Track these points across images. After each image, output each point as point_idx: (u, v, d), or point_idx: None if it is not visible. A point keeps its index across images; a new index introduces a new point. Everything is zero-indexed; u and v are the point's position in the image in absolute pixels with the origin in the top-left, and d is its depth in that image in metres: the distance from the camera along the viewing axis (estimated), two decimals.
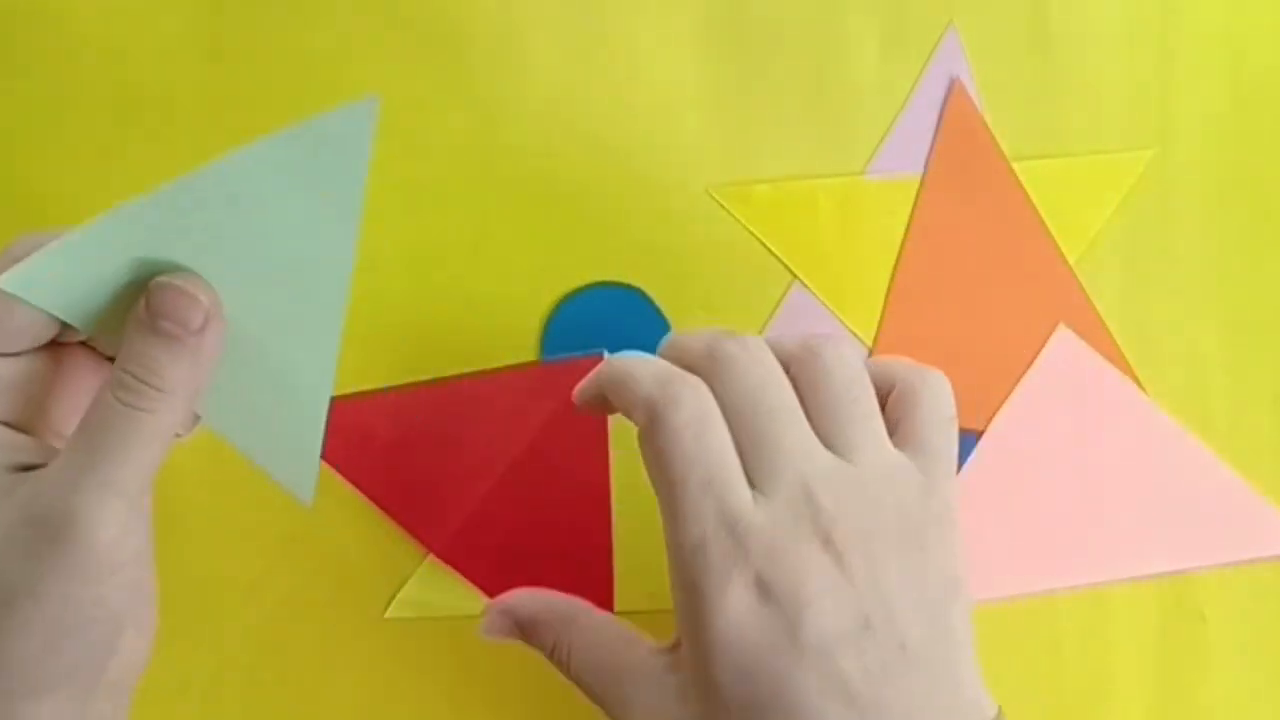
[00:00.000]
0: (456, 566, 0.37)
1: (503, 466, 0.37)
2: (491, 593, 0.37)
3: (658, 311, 0.38)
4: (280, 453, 0.32)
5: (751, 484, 0.29)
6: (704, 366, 0.30)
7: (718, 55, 0.38)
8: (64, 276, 0.28)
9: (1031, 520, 0.39)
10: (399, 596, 0.37)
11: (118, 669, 0.28)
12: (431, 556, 0.37)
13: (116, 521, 0.26)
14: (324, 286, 0.31)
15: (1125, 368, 0.39)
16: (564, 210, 0.38)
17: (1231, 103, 0.39)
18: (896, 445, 0.31)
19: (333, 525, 0.37)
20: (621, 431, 0.37)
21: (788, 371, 0.31)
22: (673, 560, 0.29)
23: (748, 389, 0.30)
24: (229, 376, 0.30)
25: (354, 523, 0.37)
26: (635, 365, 0.30)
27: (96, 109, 0.37)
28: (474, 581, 0.37)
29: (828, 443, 0.30)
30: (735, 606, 0.28)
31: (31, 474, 0.27)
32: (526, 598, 0.34)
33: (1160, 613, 0.39)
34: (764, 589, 0.28)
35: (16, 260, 0.28)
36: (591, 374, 0.32)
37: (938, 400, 0.32)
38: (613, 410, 0.32)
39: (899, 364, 0.33)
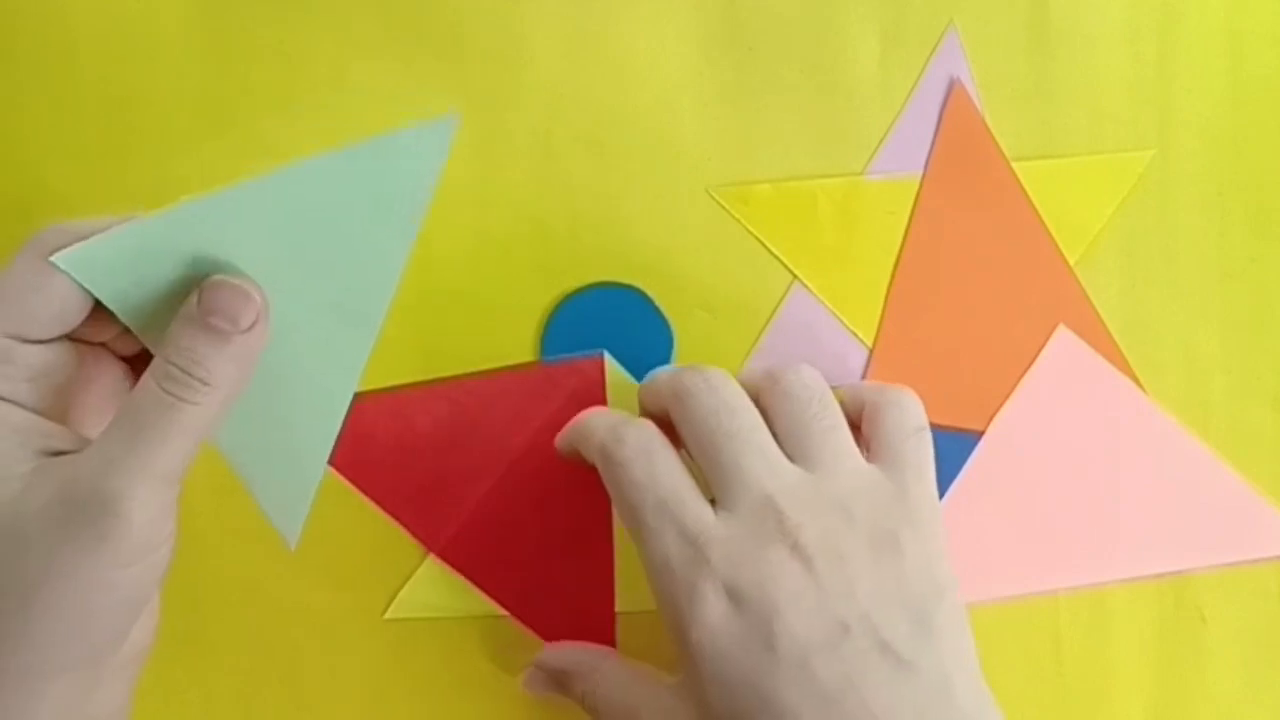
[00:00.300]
0: (456, 566, 0.37)
1: (503, 466, 0.37)
2: (491, 592, 0.37)
3: (658, 311, 0.38)
4: (276, 489, 0.34)
5: (714, 505, 0.30)
6: (669, 401, 0.32)
7: (718, 55, 0.38)
8: (117, 264, 0.29)
9: (1031, 520, 0.39)
10: (399, 596, 0.37)
11: (129, 651, 0.29)
12: (431, 556, 0.37)
13: (156, 504, 0.27)
14: (363, 311, 0.32)
15: (1125, 368, 0.39)
16: (564, 210, 0.38)
17: (1231, 103, 0.39)
18: (869, 460, 0.32)
19: (333, 525, 0.37)
20: None
21: (756, 403, 0.32)
22: (650, 587, 0.30)
23: (705, 415, 0.31)
24: (247, 394, 0.30)
25: (354, 523, 0.37)
26: (593, 417, 0.34)
27: (96, 109, 0.37)
28: (474, 581, 0.37)
29: (794, 460, 0.31)
30: (709, 617, 0.29)
31: (67, 457, 0.27)
32: (556, 653, 0.36)
33: (1160, 613, 0.39)
34: (735, 597, 0.29)
35: (48, 247, 0.28)
36: (566, 429, 0.35)
37: (904, 413, 0.33)
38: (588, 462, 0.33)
39: (867, 386, 0.35)
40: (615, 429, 0.32)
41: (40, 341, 0.28)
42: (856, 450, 0.32)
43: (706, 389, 0.32)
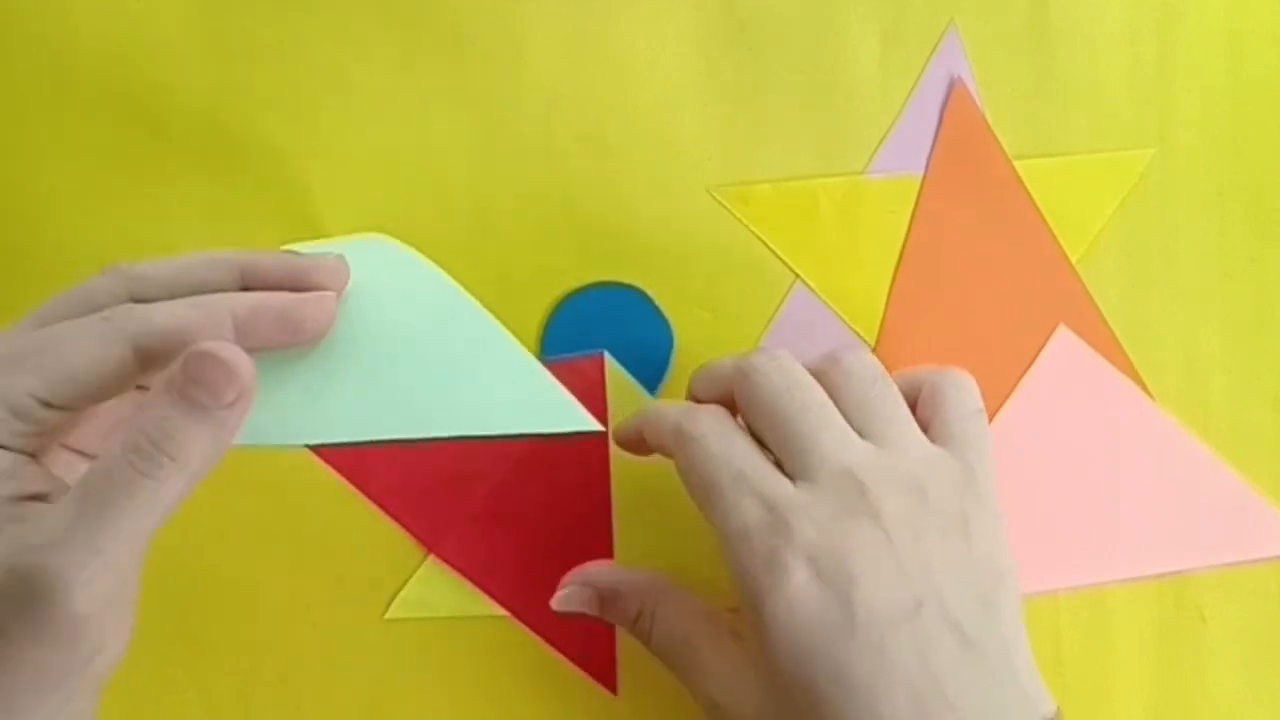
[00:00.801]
0: (456, 566, 0.37)
1: (503, 466, 0.37)
2: (491, 592, 0.37)
3: (658, 311, 0.38)
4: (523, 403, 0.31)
5: (791, 479, 0.30)
6: (735, 381, 0.32)
7: (718, 55, 0.38)
8: None
9: (1032, 520, 0.39)
10: (399, 596, 0.37)
11: (90, 678, 0.26)
12: (432, 556, 0.37)
13: (101, 595, 0.24)
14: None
15: (1127, 367, 0.39)
16: (564, 210, 0.38)
17: (1231, 103, 0.39)
18: (931, 440, 0.32)
19: (333, 525, 0.37)
20: None
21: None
22: (726, 559, 0.30)
23: (776, 392, 0.31)
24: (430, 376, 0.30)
25: (354, 523, 0.37)
26: (660, 404, 0.34)
27: (96, 109, 0.37)
28: (474, 581, 0.37)
29: (863, 436, 0.31)
30: (789, 585, 0.28)
31: (30, 511, 0.25)
32: (606, 571, 0.35)
33: (1160, 613, 0.39)
34: (815, 566, 0.28)
35: (122, 326, 0.26)
36: (629, 417, 0.35)
37: (963, 394, 0.33)
38: (648, 450, 0.34)
39: (922, 369, 0.34)
40: (688, 410, 0.32)
41: (62, 408, 0.26)
42: (920, 432, 0.32)
43: (775, 368, 0.32)
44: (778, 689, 0.29)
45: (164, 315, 0.26)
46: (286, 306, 0.27)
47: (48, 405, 0.26)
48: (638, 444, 0.34)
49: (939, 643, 0.28)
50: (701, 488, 0.31)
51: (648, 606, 0.33)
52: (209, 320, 0.26)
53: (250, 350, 0.26)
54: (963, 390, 0.33)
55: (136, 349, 0.26)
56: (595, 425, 0.29)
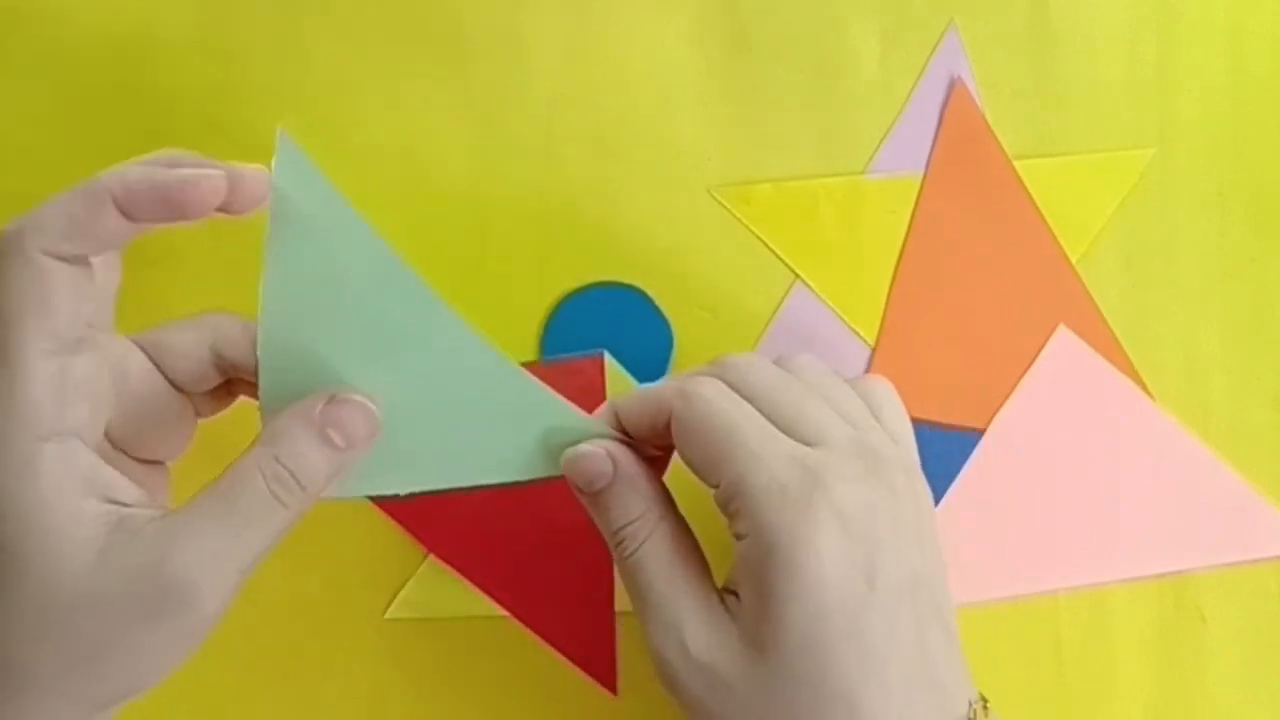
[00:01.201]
0: (456, 566, 0.37)
1: None
2: (491, 592, 0.37)
3: (658, 311, 0.38)
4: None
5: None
6: (729, 375, 0.32)
7: (718, 55, 0.38)
8: (316, 202, 0.29)
9: (1032, 520, 0.39)
10: (399, 597, 0.37)
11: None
12: (432, 556, 0.37)
13: (232, 594, 0.28)
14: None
15: (1127, 367, 0.39)
16: (564, 210, 0.38)
17: (1231, 103, 0.39)
18: None
19: (333, 525, 0.37)
20: None
21: None
22: (743, 513, 0.29)
23: (769, 377, 0.31)
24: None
25: (354, 523, 0.37)
26: (648, 385, 0.33)
27: (96, 109, 0.37)
28: (474, 581, 0.37)
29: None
30: (823, 538, 0.28)
31: (147, 533, 0.27)
32: (632, 457, 0.31)
33: (1160, 613, 0.39)
34: (843, 523, 0.28)
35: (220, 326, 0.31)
36: (615, 399, 0.33)
37: (893, 400, 0.33)
38: (662, 439, 0.31)
39: (847, 377, 0.34)
40: (689, 378, 0.31)
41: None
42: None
43: (757, 360, 0.32)
44: (780, 647, 0.28)
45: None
46: (170, 185, 0.28)
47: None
48: (650, 432, 0.32)
49: (930, 620, 0.29)
50: (717, 444, 0.29)
51: (651, 514, 0.31)
52: (89, 197, 0.28)
53: (141, 223, 0.28)
54: (893, 395, 0.33)
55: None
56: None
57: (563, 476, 0.32)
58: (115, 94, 0.37)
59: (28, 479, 0.26)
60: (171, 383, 0.31)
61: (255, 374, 0.30)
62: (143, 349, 0.30)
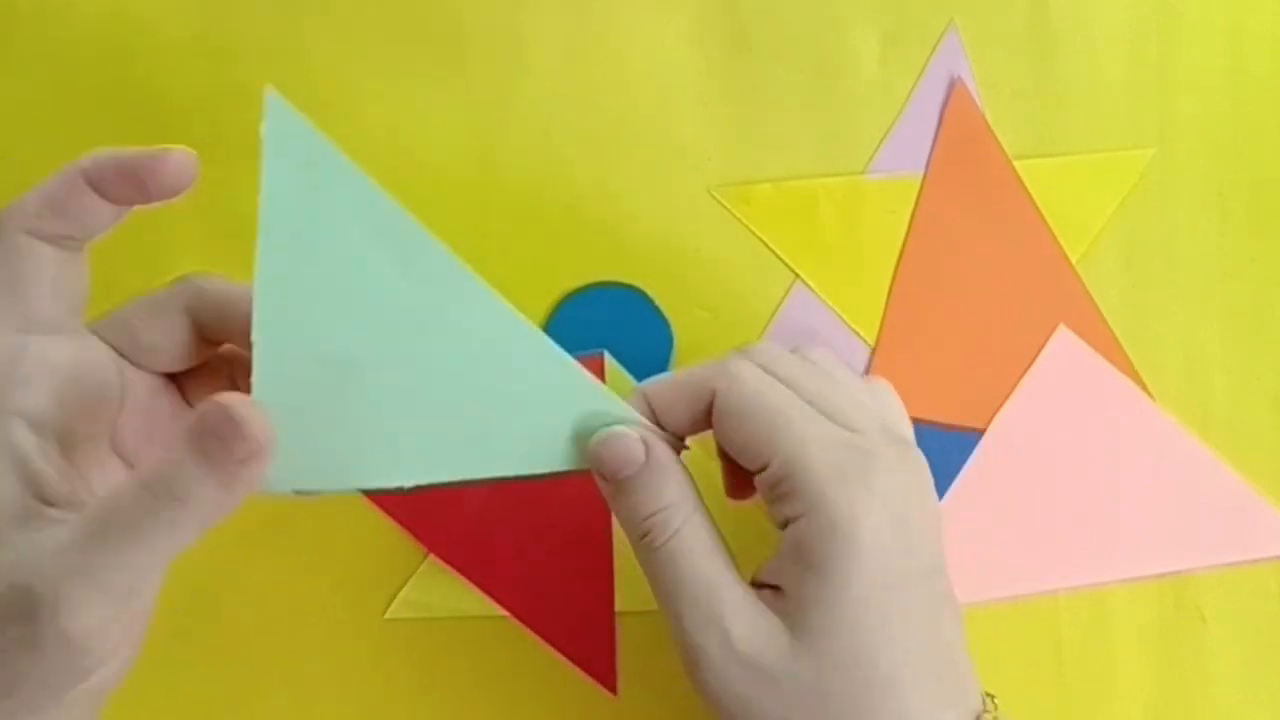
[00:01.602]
0: (456, 566, 0.37)
1: None
2: (491, 592, 0.37)
3: (658, 311, 0.38)
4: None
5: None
6: (747, 359, 0.31)
7: (718, 55, 0.38)
8: (320, 173, 0.27)
9: (1032, 520, 0.39)
10: (399, 596, 0.37)
11: (89, 692, 0.26)
12: (432, 556, 0.37)
13: (97, 618, 0.24)
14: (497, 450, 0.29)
15: (1127, 367, 0.39)
16: (564, 210, 0.38)
17: (1231, 103, 0.40)
18: None
19: (333, 525, 0.37)
20: None
21: None
22: (795, 490, 0.28)
23: (797, 364, 0.31)
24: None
25: (354, 523, 0.37)
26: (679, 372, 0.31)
27: (96, 109, 0.37)
28: (474, 581, 0.37)
29: None
30: (882, 514, 0.28)
31: (44, 525, 0.25)
32: (665, 441, 0.30)
33: (1160, 613, 0.39)
34: (887, 500, 0.28)
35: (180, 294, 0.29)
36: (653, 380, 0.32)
37: (896, 401, 0.33)
38: (698, 425, 0.31)
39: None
40: (725, 361, 0.30)
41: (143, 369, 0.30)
42: None
43: (784, 351, 0.32)
44: (832, 633, 0.28)
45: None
46: (137, 160, 0.28)
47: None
48: (687, 417, 0.31)
49: (947, 604, 0.29)
50: (767, 419, 0.29)
51: (686, 502, 0.29)
52: (64, 176, 0.27)
53: (114, 202, 0.28)
54: (896, 397, 0.33)
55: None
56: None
57: (583, 470, 0.30)
58: (115, 94, 0.37)
59: None
60: (144, 368, 0.30)
61: (245, 342, 0.27)
62: (105, 336, 0.29)
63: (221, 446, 0.25)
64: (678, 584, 0.29)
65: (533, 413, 0.29)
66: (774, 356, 0.31)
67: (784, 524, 0.29)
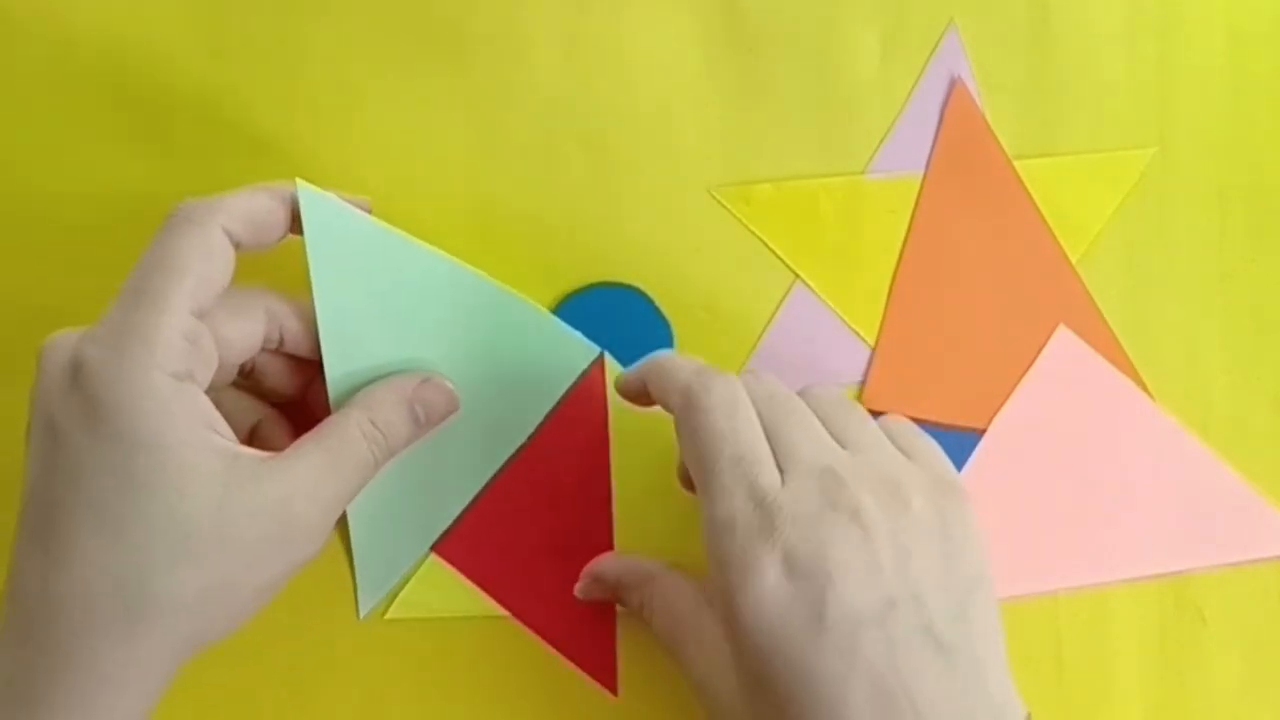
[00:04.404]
0: (456, 566, 0.37)
1: (503, 466, 0.37)
2: (491, 592, 0.37)
3: (658, 311, 0.38)
4: (374, 556, 0.37)
5: (779, 469, 0.30)
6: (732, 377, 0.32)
7: (718, 55, 0.38)
8: (341, 233, 0.33)
9: (1032, 520, 0.39)
10: (399, 597, 0.37)
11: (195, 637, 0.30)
12: (432, 556, 0.37)
13: (330, 534, 0.32)
14: (501, 435, 0.37)
15: (1128, 367, 0.39)
16: (564, 210, 0.38)
17: (1231, 103, 0.39)
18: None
19: None
20: (622, 432, 0.37)
21: None
22: (706, 538, 0.30)
23: (768, 390, 0.32)
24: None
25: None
26: (675, 358, 0.34)
27: (96, 109, 0.37)
28: (474, 581, 0.37)
29: (839, 442, 0.31)
30: (762, 583, 0.28)
31: (279, 467, 0.30)
32: (612, 563, 0.37)
33: (1160, 613, 0.39)
34: (791, 565, 0.28)
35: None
36: (634, 366, 0.35)
37: (915, 431, 0.33)
38: (650, 402, 0.34)
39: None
40: (701, 375, 0.32)
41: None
42: (890, 442, 0.32)
43: (755, 380, 0.32)
44: (748, 679, 0.29)
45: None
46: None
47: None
48: (640, 395, 0.34)
49: (911, 646, 0.28)
50: (698, 461, 0.30)
51: (647, 594, 0.35)
52: (274, 195, 0.32)
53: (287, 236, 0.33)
54: (911, 426, 0.33)
55: None
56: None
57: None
58: (115, 94, 0.37)
59: (165, 415, 0.28)
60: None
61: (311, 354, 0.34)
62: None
63: (429, 417, 0.34)
64: (664, 642, 0.34)
65: (532, 377, 0.37)
66: (754, 378, 0.32)
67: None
